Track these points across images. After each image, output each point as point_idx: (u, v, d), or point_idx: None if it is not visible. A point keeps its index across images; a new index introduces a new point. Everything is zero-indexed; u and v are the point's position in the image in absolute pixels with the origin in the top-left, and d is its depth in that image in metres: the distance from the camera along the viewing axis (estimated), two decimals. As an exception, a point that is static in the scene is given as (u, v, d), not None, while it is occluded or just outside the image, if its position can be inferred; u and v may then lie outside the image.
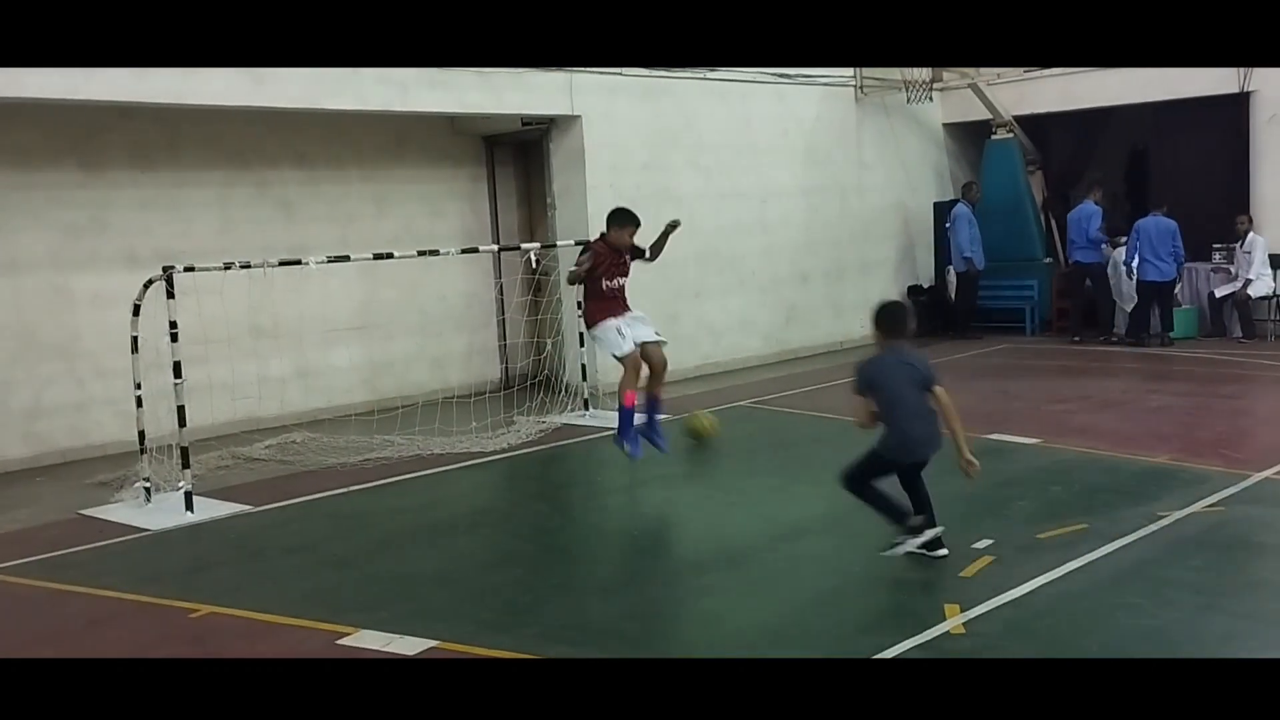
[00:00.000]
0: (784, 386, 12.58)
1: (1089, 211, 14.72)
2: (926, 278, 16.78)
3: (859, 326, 15.98)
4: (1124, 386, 11.91)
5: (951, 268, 16.03)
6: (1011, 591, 5.70)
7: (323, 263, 9.34)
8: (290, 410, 11.31)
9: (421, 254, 10.52)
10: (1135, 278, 14.14)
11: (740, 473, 9.16)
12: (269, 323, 11.35)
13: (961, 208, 15.67)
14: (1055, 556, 6.18)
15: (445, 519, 8.11)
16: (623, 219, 8.77)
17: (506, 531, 7.88)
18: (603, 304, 8.69)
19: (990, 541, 6.48)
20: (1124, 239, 14.71)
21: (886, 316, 6.34)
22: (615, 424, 9.93)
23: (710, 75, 13.45)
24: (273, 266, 9.07)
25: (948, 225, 16.15)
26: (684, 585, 6.41)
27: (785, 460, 9.37)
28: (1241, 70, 14.07)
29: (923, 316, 16.49)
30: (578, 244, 11.51)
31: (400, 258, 10.28)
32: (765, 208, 14.57)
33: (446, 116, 12.64)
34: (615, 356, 8.66)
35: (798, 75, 14.47)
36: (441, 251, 10.60)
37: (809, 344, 15.06)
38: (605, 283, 8.64)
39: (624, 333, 8.60)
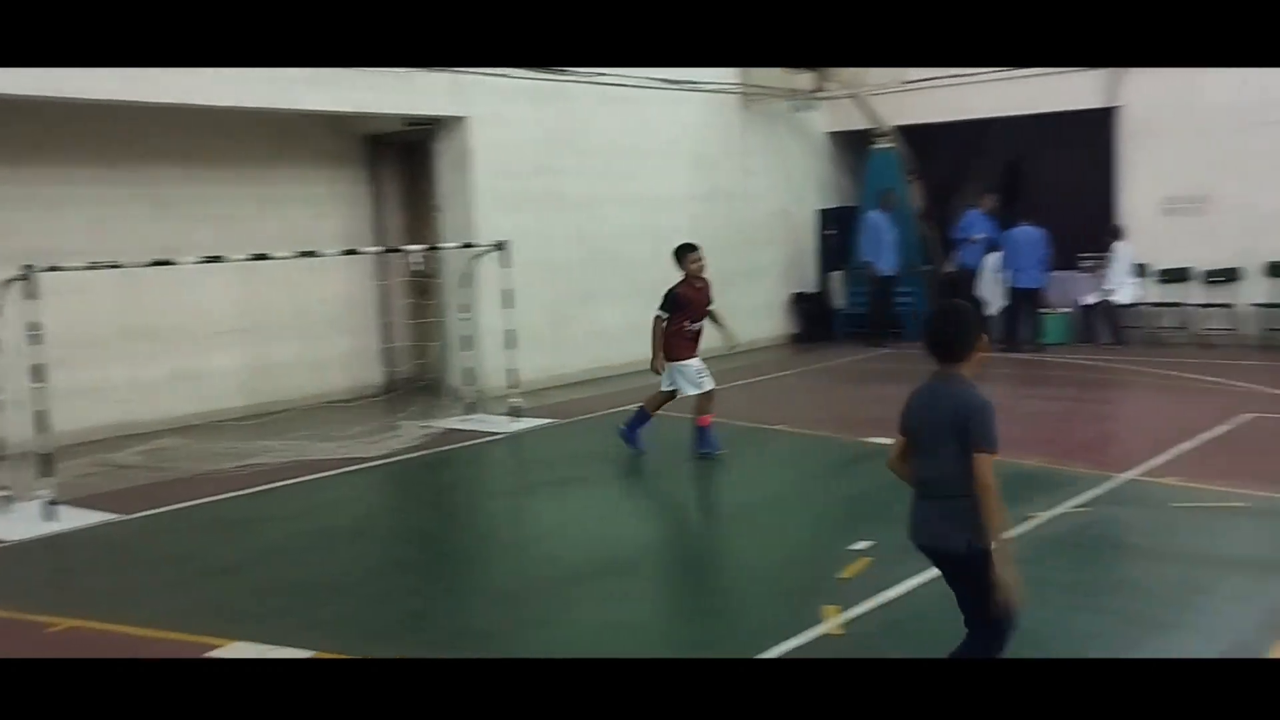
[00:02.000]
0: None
1: (968, 219, 15.37)
2: (810, 284, 17.05)
3: (743, 332, 16.14)
4: (997, 392, 12.22)
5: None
6: (889, 591, 5.81)
7: (198, 263, 9.09)
8: (163, 415, 10.95)
9: (300, 255, 10.28)
10: (1008, 285, 14.63)
11: (625, 478, 9.16)
12: (141, 324, 10.98)
13: (870, 214, 15.83)
14: (932, 557, 6.31)
15: (328, 526, 7.94)
16: (690, 247, 9.33)
17: (392, 537, 7.75)
18: (685, 342, 9.15)
19: (870, 543, 6.59)
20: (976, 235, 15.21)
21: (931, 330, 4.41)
22: (504, 429, 9.91)
23: (602, 80, 13.45)
24: (143, 266, 8.79)
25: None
26: (572, 591, 6.38)
27: (666, 465, 9.39)
28: (1109, 85, 14.60)
29: (804, 321, 16.81)
30: (493, 246, 11.45)
31: (278, 259, 10.04)
32: (655, 213, 14.62)
33: (329, 115, 12.41)
34: (689, 392, 9.15)
35: (684, 81, 14.56)
36: (321, 253, 10.36)
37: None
38: (689, 325, 9.11)
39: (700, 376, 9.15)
